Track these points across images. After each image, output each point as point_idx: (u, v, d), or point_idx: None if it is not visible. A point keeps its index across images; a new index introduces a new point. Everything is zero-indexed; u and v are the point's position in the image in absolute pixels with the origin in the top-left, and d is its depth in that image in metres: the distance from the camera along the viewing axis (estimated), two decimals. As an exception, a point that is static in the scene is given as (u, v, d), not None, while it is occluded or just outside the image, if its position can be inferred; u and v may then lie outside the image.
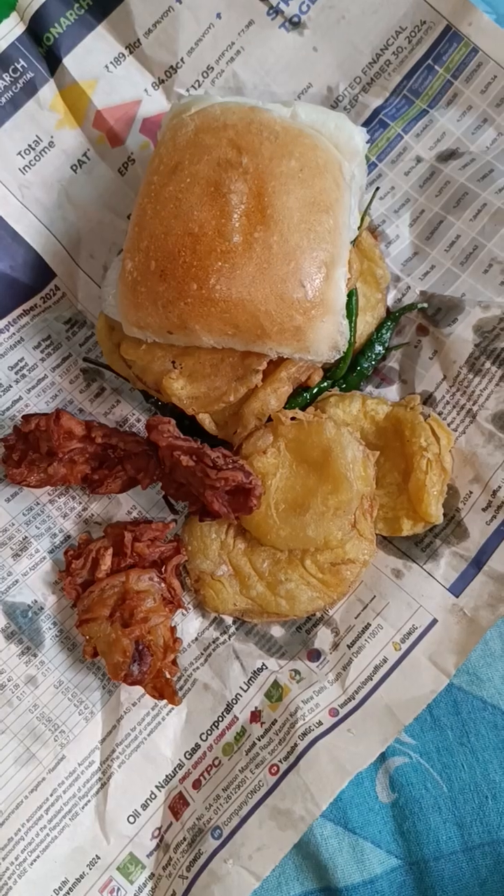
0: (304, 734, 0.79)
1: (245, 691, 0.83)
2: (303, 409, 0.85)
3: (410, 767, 0.81)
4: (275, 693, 0.83)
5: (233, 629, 0.86)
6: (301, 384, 0.85)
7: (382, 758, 0.81)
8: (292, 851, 0.78)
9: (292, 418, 0.81)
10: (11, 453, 0.85)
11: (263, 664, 0.84)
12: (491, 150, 0.90)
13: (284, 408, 0.82)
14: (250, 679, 0.84)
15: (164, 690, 0.80)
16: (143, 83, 0.94)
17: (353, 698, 0.80)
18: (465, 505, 0.82)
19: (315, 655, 0.83)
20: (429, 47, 0.92)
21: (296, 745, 0.79)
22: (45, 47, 0.91)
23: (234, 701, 0.83)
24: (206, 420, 0.81)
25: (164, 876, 0.80)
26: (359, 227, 0.84)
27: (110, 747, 0.83)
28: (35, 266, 0.93)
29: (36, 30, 0.90)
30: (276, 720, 0.81)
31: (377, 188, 0.93)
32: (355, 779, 0.77)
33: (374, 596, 0.83)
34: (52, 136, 0.93)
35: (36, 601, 0.86)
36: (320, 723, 0.79)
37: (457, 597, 0.80)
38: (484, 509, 0.81)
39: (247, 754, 0.81)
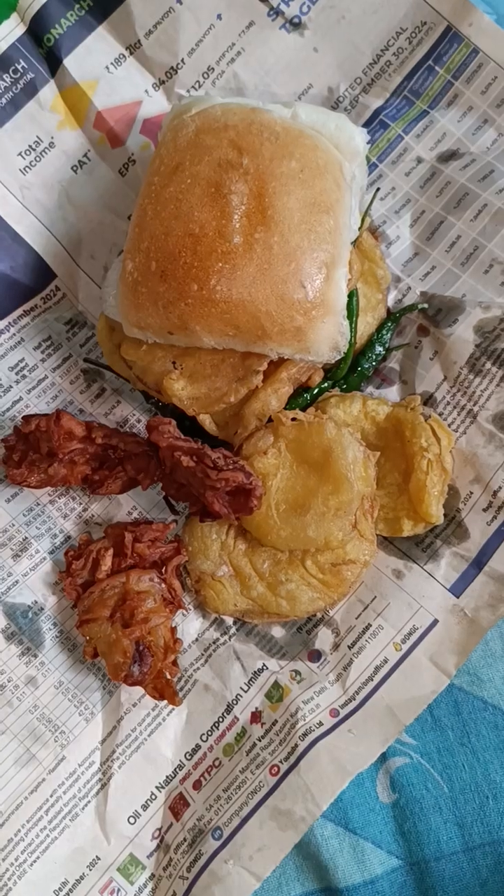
0: (305, 735, 0.79)
1: (245, 692, 0.83)
2: (303, 409, 0.85)
3: (411, 768, 0.81)
4: (275, 694, 0.83)
5: (233, 630, 0.86)
6: (302, 385, 0.85)
7: (383, 758, 0.81)
8: (293, 852, 0.78)
9: (293, 419, 0.81)
10: (12, 454, 0.85)
11: (264, 665, 0.84)
12: (491, 151, 0.90)
13: (285, 408, 0.82)
14: (251, 680, 0.84)
15: (165, 691, 0.80)
16: (144, 84, 0.94)
17: (354, 699, 0.80)
18: (466, 505, 0.82)
19: (316, 656, 0.83)
20: (429, 48, 0.92)
21: (296, 745, 0.79)
22: (45, 48, 0.91)
23: (235, 701, 0.83)
24: (206, 421, 0.81)
25: (165, 877, 0.80)
26: (359, 228, 0.84)
27: (110, 748, 0.83)
28: (35, 267, 0.93)
29: (36, 31, 0.90)
30: (276, 721, 0.81)
31: (378, 189, 0.93)
32: (356, 779, 0.77)
33: (375, 596, 0.83)
34: (52, 137, 0.93)
35: (36, 602, 0.86)
36: (321, 723, 0.79)
37: (457, 597, 0.80)
38: (484, 510, 0.81)
39: (247, 755, 0.81)
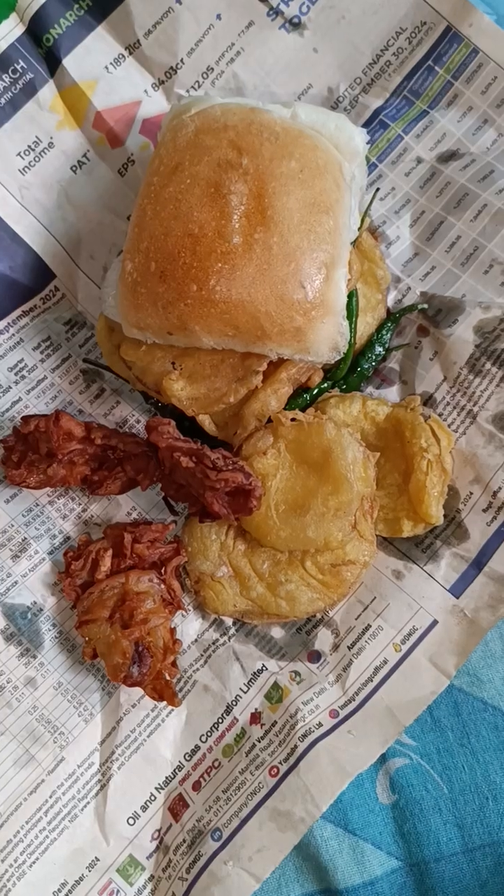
0: (305, 735, 0.79)
1: (245, 693, 0.83)
2: (303, 410, 0.85)
3: (411, 769, 0.81)
4: (275, 694, 0.83)
5: (233, 630, 0.86)
6: (301, 385, 0.85)
7: (383, 759, 0.81)
8: (292, 853, 0.78)
9: (292, 419, 0.81)
10: (11, 454, 0.85)
11: (263, 665, 0.84)
12: (491, 151, 0.90)
13: (285, 409, 0.82)
14: (250, 680, 0.84)
15: (164, 692, 0.80)
16: (143, 84, 0.94)
17: (354, 700, 0.80)
18: (466, 506, 0.82)
19: (315, 657, 0.83)
20: (429, 48, 0.92)
21: (296, 746, 0.79)
22: (44, 48, 0.91)
23: (234, 702, 0.83)
24: (205, 421, 0.81)
25: (164, 878, 0.80)
26: (359, 228, 0.84)
27: (110, 749, 0.83)
28: (35, 267, 0.93)
29: (36, 31, 0.90)
30: (276, 722, 0.81)
31: (377, 189, 0.93)
32: (355, 780, 0.77)
33: (375, 597, 0.83)
34: (51, 137, 0.93)
35: (35, 602, 0.86)
36: (320, 724, 0.79)
37: (457, 598, 0.80)
38: (484, 510, 0.81)
39: (247, 756, 0.81)
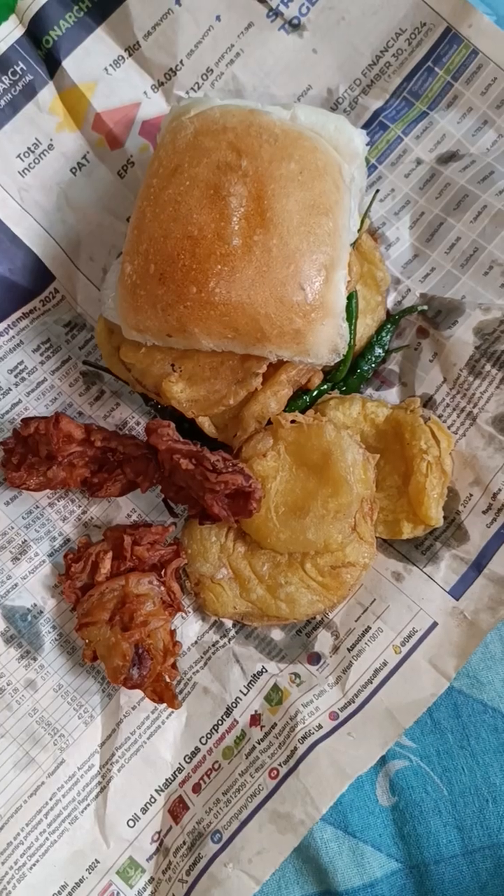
0: (304, 738, 0.79)
1: (245, 695, 0.83)
2: (303, 411, 0.85)
3: (411, 771, 0.81)
4: (275, 696, 0.83)
5: (232, 632, 0.86)
6: (301, 387, 0.85)
7: (383, 761, 0.81)
8: (292, 855, 0.78)
9: (292, 421, 0.81)
10: (11, 457, 0.85)
11: (263, 667, 0.84)
12: (491, 152, 0.90)
13: (284, 411, 0.82)
14: (250, 682, 0.84)
15: (164, 694, 0.80)
16: (143, 85, 0.94)
17: (354, 701, 0.80)
18: (466, 508, 0.82)
19: (315, 659, 0.83)
20: (429, 49, 0.91)
21: (296, 748, 0.79)
22: (44, 50, 0.91)
23: (234, 704, 0.83)
24: (205, 423, 0.81)
25: (164, 880, 0.80)
26: (359, 230, 0.84)
27: (110, 751, 0.83)
28: (34, 269, 0.93)
29: (35, 32, 0.90)
30: (275, 724, 0.81)
31: (377, 190, 0.92)
32: (355, 782, 0.77)
33: (375, 599, 0.83)
34: (51, 139, 0.93)
35: (35, 605, 0.86)
36: (320, 726, 0.79)
37: (457, 600, 0.80)
38: (484, 512, 0.81)
39: (246, 758, 0.81)
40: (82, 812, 0.81)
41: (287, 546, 0.81)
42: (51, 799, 0.81)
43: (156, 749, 0.83)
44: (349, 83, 0.94)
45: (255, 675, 0.84)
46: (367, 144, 0.84)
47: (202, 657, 0.85)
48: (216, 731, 0.83)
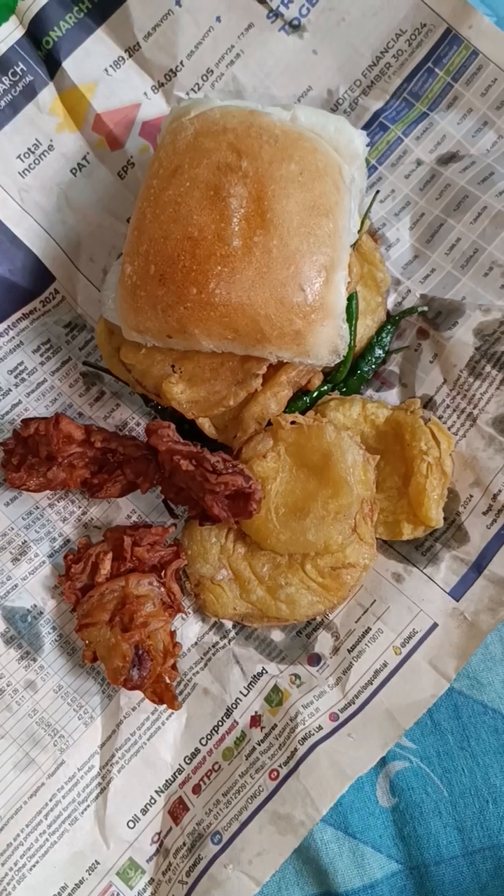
0: (305, 739, 0.79)
1: (245, 696, 0.83)
2: (303, 412, 0.85)
3: (411, 772, 0.81)
4: (275, 698, 0.83)
5: (233, 634, 0.86)
6: (301, 388, 0.85)
7: (383, 762, 0.81)
8: (292, 856, 0.78)
9: (292, 422, 0.81)
10: (11, 457, 0.85)
11: (263, 669, 0.84)
12: (491, 153, 0.90)
13: (284, 412, 0.82)
14: (250, 683, 0.84)
15: (164, 695, 0.80)
16: (143, 86, 0.94)
17: (354, 703, 0.80)
18: (466, 509, 0.82)
19: (315, 660, 0.83)
20: (429, 50, 0.91)
21: (296, 749, 0.79)
22: (44, 51, 0.91)
23: (234, 705, 0.83)
24: (205, 424, 0.81)
25: (164, 881, 0.80)
26: (359, 231, 0.84)
27: (110, 752, 0.83)
28: (34, 270, 0.93)
29: (35, 33, 0.90)
30: (276, 725, 0.81)
31: (377, 191, 0.92)
32: (355, 783, 0.77)
33: (375, 600, 0.83)
34: (51, 140, 0.93)
35: (35, 606, 0.86)
36: (320, 727, 0.79)
37: (457, 601, 0.80)
38: (484, 513, 0.81)
39: (247, 759, 0.81)
40: (82, 813, 0.81)
41: (287, 547, 0.81)
42: (51, 800, 0.81)
43: (156, 750, 0.83)
44: (349, 84, 0.94)
45: (255, 676, 0.84)
46: (368, 145, 0.84)
47: (202, 658, 0.85)
48: (216, 732, 0.83)
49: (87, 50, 0.92)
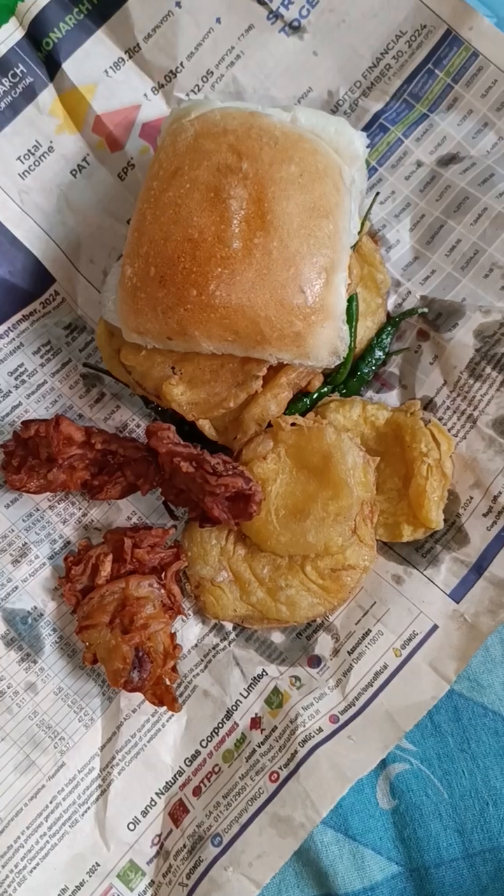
0: (305, 741, 0.79)
1: (245, 698, 0.83)
2: (303, 414, 0.85)
3: (411, 774, 0.80)
4: (275, 699, 0.83)
5: (233, 635, 0.85)
6: (301, 389, 0.85)
7: (383, 764, 0.80)
8: (293, 858, 0.78)
9: (292, 424, 0.81)
10: (11, 459, 0.85)
11: (263, 670, 0.84)
12: (491, 155, 0.90)
13: (284, 413, 0.82)
14: (250, 685, 0.83)
15: (164, 697, 0.80)
16: (143, 88, 0.94)
17: (354, 704, 0.80)
18: (466, 510, 0.82)
19: (315, 662, 0.83)
20: (429, 51, 0.91)
21: (296, 751, 0.79)
22: (44, 52, 0.91)
23: (234, 707, 0.83)
24: (205, 426, 0.81)
25: (164, 883, 0.80)
26: (359, 232, 0.84)
27: (110, 754, 0.83)
28: (34, 271, 0.93)
29: (35, 35, 0.90)
30: (276, 727, 0.81)
31: (377, 193, 0.92)
32: (356, 785, 0.77)
33: (375, 602, 0.83)
34: (51, 141, 0.93)
35: (36, 607, 0.86)
36: (320, 729, 0.79)
37: (457, 602, 0.80)
38: (485, 515, 0.81)
39: (247, 761, 0.81)
40: (83, 815, 0.81)
41: (287, 549, 0.81)
42: (51, 802, 0.81)
43: (156, 752, 0.83)
44: (349, 85, 0.94)
45: (255, 678, 0.84)
46: (368, 147, 0.84)
47: (202, 660, 0.85)
48: (216, 734, 0.83)
49: (87, 51, 0.92)
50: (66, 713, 0.83)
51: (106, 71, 0.93)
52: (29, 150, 0.92)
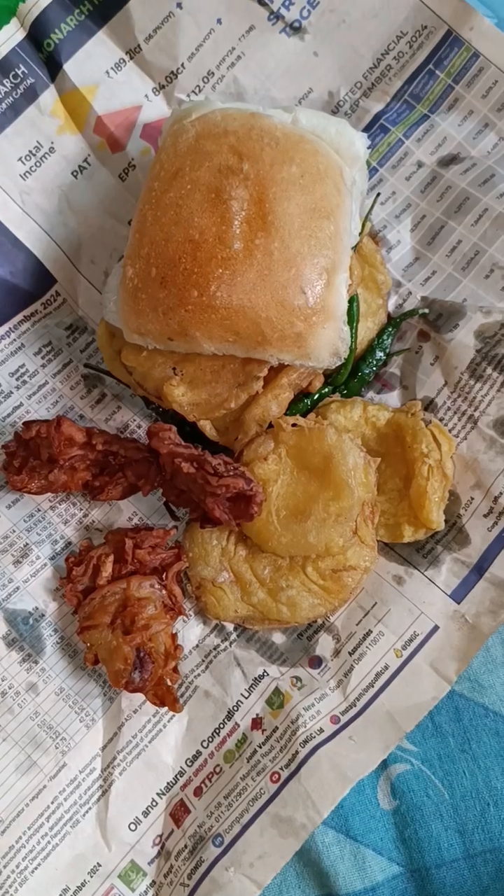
0: (306, 741, 0.79)
1: (246, 698, 0.83)
2: (304, 415, 0.85)
3: (412, 774, 0.81)
4: (276, 700, 0.83)
5: (234, 636, 0.86)
6: (302, 390, 0.85)
7: (384, 765, 0.81)
8: (294, 859, 0.78)
9: (293, 424, 0.81)
10: (12, 460, 0.85)
11: (265, 671, 0.84)
12: (492, 155, 0.90)
13: (285, 414, 0.82)
14: (251, 686, 0.84)
15: (166, 698, 0.80)
16: (144, 89, 0.94)
17: (355, 705, 0.80)
18: (467, 511, 0.82)
19: (316, 662, 0.83)
20: (430, 52, 0.91)
21: (297, 752, 0.79)
22: (45, 53, 0.91)
23: (236, 708, 0.83)
24: (206, 426, 0.81)
25: (166, 884, 0.80)
26: (360, 233, 0.84)
27: (111, 754, 0.83)
28: (36, 272, 0.93)
29: (36, 35, 0.90)
30: (277, 727, 0.81)
31: (378, 193, 0.92)
32: (357, 786, 0.77)
33: (376, 602, 0.83)
34: (52, 142, 0.93)
35: (37, 608, 0.86)
36: (322, 730, 0.79)
37: (458, 603, 0.80)
38: (485, 515, 0.81)
39: (248, 762, 0.81)
40: (84, 815, 0.81)
41: (288, 549, 0.81)
42: (52, 802, 0.81)
43: (157, 753, 0.83)
44: (350, 86, 0.94)
45: (256, 678, 0.84)
46: (368, 147, 0.84)
47: (203, 661, 0.85)
48: (217, 734, 0.83)
49: (88, 52, 0.92)
50: (67, 714, 0.83)
51: (107, 72, 0.93)
52: (30, 151, 0.92)
